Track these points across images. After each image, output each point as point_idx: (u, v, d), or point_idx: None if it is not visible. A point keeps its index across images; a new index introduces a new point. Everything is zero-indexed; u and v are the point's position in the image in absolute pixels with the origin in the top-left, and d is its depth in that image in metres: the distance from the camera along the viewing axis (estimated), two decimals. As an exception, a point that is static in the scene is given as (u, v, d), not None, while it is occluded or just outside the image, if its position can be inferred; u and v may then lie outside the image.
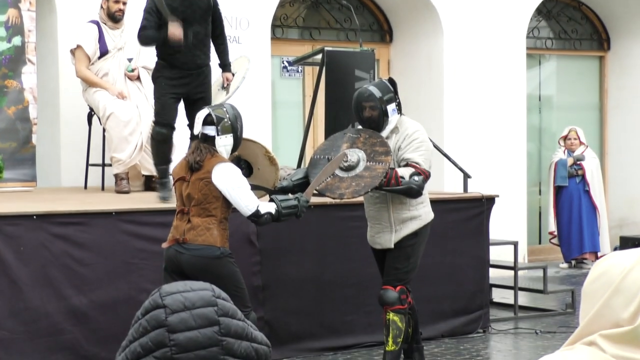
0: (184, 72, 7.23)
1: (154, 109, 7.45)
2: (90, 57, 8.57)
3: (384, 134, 6.31)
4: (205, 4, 7.32)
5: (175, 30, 7.05)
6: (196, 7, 7.23)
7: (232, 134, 5.87)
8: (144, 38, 7.27)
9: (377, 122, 6.30)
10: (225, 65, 7.69)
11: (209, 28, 7.37)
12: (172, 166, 6.86)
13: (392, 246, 6.32)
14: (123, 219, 6.73)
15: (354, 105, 6.37)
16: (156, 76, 7.36)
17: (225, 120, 5.85)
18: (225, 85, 7.75)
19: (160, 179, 7.43)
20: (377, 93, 6.28)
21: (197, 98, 7.35)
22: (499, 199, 8.35)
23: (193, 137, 7.39)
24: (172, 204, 6.93)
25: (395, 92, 6.37)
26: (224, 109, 5.92)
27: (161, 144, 7.36)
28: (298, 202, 5.99)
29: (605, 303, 1.92)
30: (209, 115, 5.87)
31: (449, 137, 10.92)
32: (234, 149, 5.97)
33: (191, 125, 7.44)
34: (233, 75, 7.77)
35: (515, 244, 9.09)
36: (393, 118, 6.33)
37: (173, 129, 7.41)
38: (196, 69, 7.28)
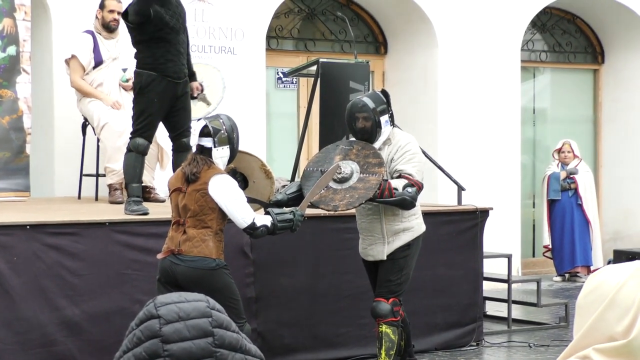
0: (173, 82, 7.20)
1: (137, 121, 7.25)
2: (85, 67, 8.57)
3: (377, 145, 6.31)
4: (184, 13, 7.39)
5: None
6: (179, 16, 7.28)
7: (228, 146, 5.87)
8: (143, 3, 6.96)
9: (370, 133, 6.31)
10: (193, 74, 7.68)
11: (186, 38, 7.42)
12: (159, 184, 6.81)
13: (385, 258, 6.32)
14: (117, 229, 6.72)
15: (347, 116, 6.37)
16: (146, 90, 7.17)
17: (222, 131, 5.85)
18: (196, 95, 7.71)
19: (136, 197, 7.23)
20: (370, 104, 6.29)
21: (179, 108, 7.33)
22: (493, 212, 8.35)
23: (177, 149, 7.40)
24: (159, 214, 6.92)
25: (388, 103, 6.38)
26: (221, 121, 5.92)
27: (140, 157, 7.25)
28: (293, 216, 6.00)
29: (599, 316, 1.92)
30: (205, 126, 5.87)
31: (443, 149, 10.93)
32: (230, 160, 5.97)
33: (173, 137, 7.44)
34: (201, 84, 7.76)
35: (509, 257, 9.10)
36: (386, 129, 6.34)
37: (151, 143, 7.38)
38: (183, 79, 7.29)
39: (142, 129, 7.21)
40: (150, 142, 7.32)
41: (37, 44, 9.00)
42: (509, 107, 11.46)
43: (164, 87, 7.16)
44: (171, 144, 7.57)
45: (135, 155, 7.23)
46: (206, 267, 5.73)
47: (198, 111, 8.07)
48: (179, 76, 7.22)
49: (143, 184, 7.88)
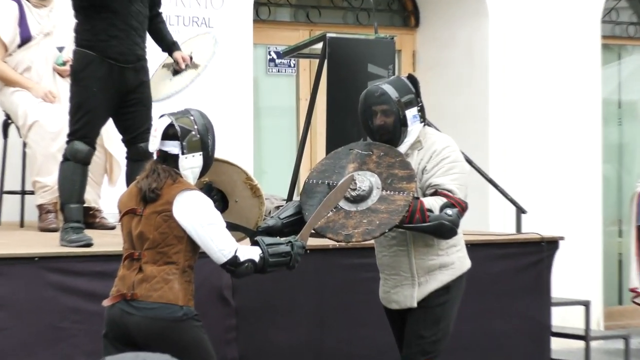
0: (119, 67, 7.19)
1: (74, 118, 7.26)
2: (7, 45, 8.61)
3: (402, 149, 6.28)
4: None
5: None
6: None
7: (201, 152, 5.86)
8: None
9: (392, 133, 6.28)
10: (173, 44, 7.73)
11: (147, 10, 7.40)
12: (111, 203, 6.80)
13: (415, 305, 6.30)
14: (49, 266, 6.71)
15: (360, 110, 6.35)
16: (81, 75, 7.20)
17: (193, 133, 5.83)
18: (185, 67, 7.72)
19: (76, 222, 7.26)
20: (392, 93, 6.26)
21: (134, 102, 7.32)
22: (564, 242, 8.35)
23: (133, 157, 7.40)
24: (106, 246, 6.92)
25: (417, 93, 6.35)
26: (191, 118, 5.89)
27: (80, 167, 7.25)
28: (291, 248, 5.96)
29: None
30: (170, 126, 5.84)
31: (495, 157, 10.93)
32: (204, 172, 5.96)
33: (127, 140, 7.44)
34: (190, 55, 7.78)
35: (587, 304, 9.08)
36: (414, 128, 6.30)
37: (95, 149, 7.36)
38: (135, 62, 7.27)
39: (81, 130, 7.21)
40: (94, 147, 7.32)
41: (-58, 14, 9.02)
42: (586, 100, 11.46)
43: (104, 73, 7.15)
44: (124, 149, 7.58)
45: (74, 166, 7.23)
46: (170, 318, 5.71)
47: (184, 81, 8.02)
48: (126, 59, 7.21)
49: (85, 205, 7.90)
